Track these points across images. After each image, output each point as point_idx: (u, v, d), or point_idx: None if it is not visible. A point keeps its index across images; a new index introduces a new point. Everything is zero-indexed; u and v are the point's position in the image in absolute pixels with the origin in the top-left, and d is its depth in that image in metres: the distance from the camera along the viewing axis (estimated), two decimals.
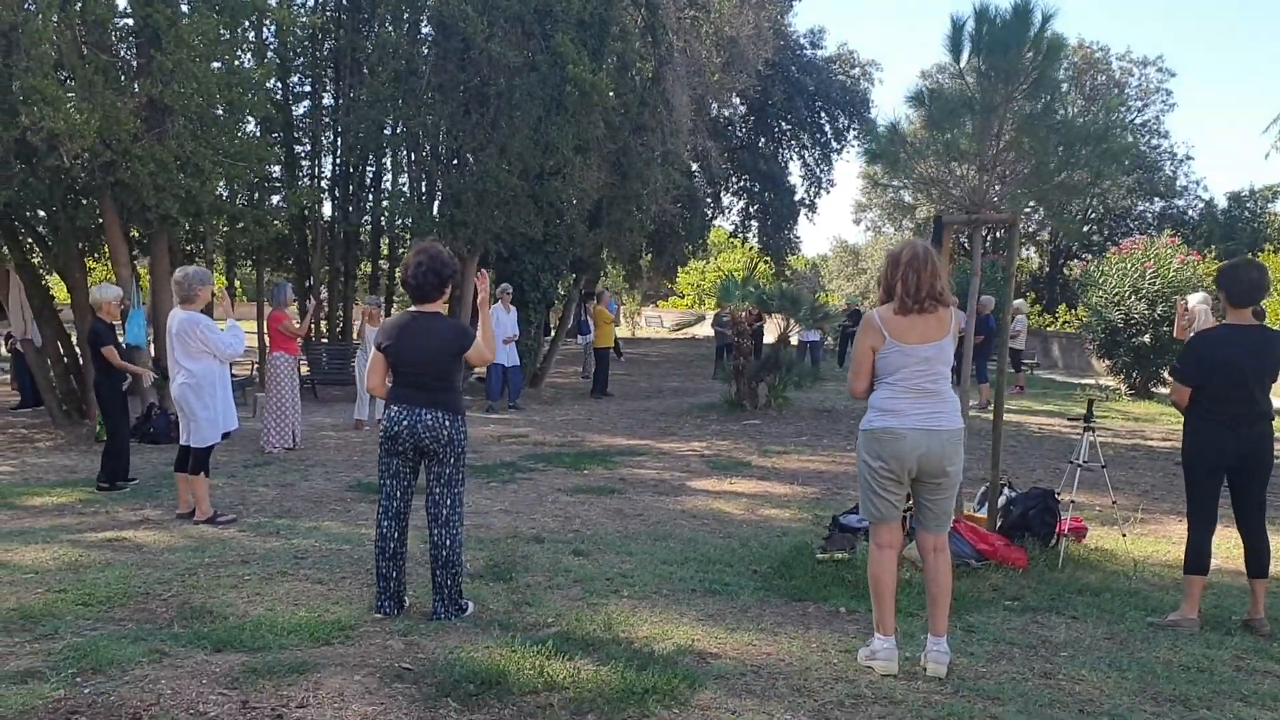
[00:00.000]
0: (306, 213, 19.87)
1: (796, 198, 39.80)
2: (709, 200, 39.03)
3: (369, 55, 16.70)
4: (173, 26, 11.32)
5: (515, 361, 16.77)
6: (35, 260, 15.06)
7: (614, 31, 16.83)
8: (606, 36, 16.95)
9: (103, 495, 9.00)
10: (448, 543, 5.31)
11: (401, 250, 19.85)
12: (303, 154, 20.32)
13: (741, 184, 39.98)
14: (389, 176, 18.93)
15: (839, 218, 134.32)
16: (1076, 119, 7.28)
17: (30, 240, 14.75)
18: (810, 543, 7.28)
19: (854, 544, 7.07)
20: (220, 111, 12.33)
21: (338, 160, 20.22)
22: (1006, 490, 7.66)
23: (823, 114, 39.10)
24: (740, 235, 42.68)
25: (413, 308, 5.42)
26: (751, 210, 40.34)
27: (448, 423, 5.27)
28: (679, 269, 40.87)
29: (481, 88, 16.29)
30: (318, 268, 20.09)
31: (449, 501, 5.33)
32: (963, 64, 7.20)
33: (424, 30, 17.07)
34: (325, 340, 20.46)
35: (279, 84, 19.77)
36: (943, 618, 4.91)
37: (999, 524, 7.25)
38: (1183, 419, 5.85)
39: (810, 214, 40.90)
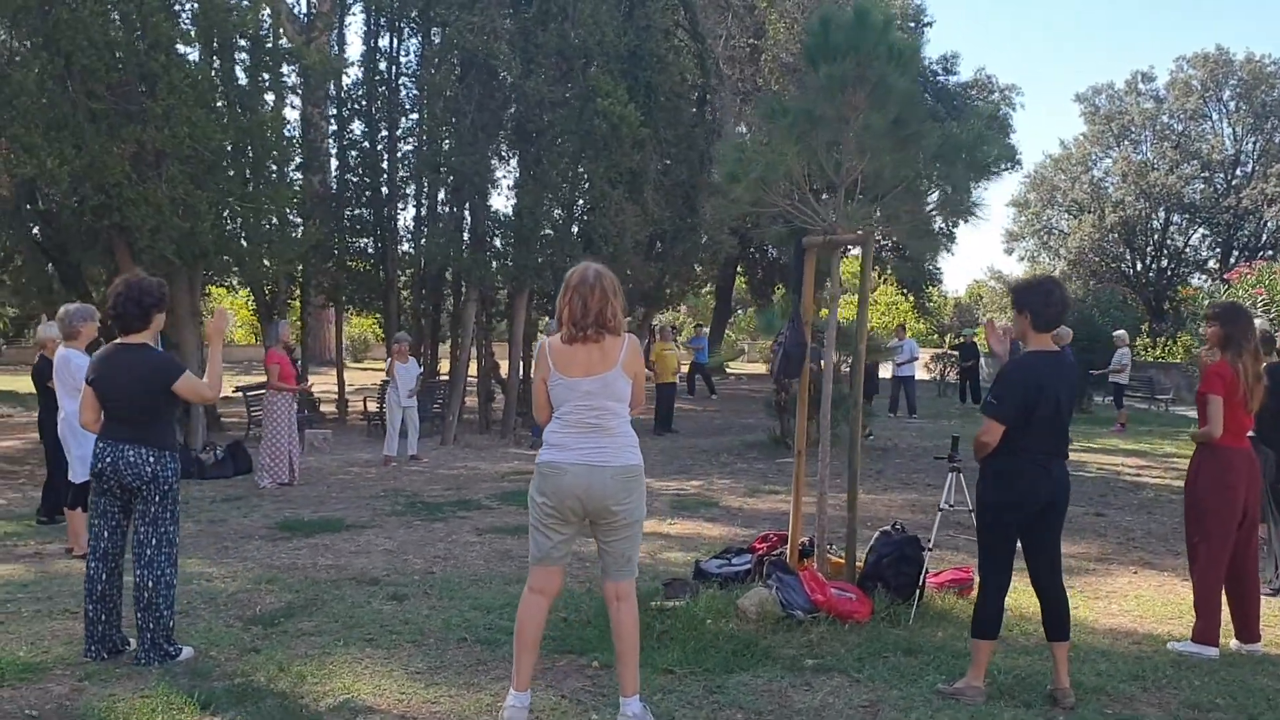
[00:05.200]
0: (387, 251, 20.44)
1: (934, 227, 38.43)
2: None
3: (416, 97, 16.95)
4: (166, 73, 11.70)
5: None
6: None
7: (652, 63, 16.58)
8: (650, 70, 16.74)
9: (35, 529, 9.22)
10: (150, 584, 5.13)
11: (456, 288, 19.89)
12: (386, 197, 20.74)
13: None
14: (457, 216, 19.05)
15: (990, 248, 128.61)
16: (937, 131, 6.59)
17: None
18: (659, 590, 6.80)
19: (695, 591, 6.59)
20: (221, 154, 12.63)
21: (422, 202, 20.62)
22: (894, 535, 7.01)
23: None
24: (878, 268, 41.52)
25: (118, 339, 5.30)
26: (885, 242, 39.18)
27: (151, 459, 5.12)
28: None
29: (522, 125, 16.31)
30: (395, 308, 20.47)
31: (153, 542, 5.16)
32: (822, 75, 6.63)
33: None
34: None
35: (359, 128, 20.44)
36: (631, 676, 4.47)
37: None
38: (996, 463, 5.06)
39: (949, 244, 39.23)
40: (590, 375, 4.39)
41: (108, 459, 5.14)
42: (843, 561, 6.77)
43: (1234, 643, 5.98)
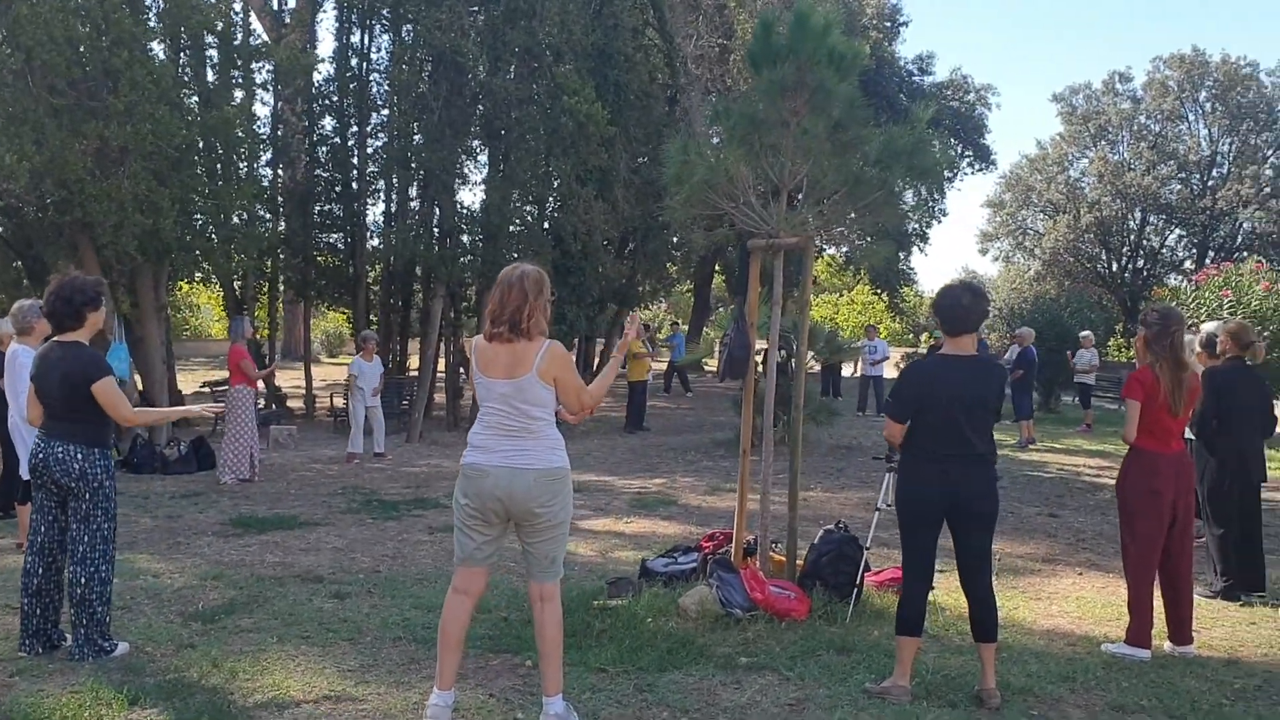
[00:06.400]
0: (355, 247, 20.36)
1: (907, 228, 38.61)
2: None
3: (387, 94, 16.98)
4: (129, 69, 11.66)
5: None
6: None
7: (620, 62, 16.63)
8: (618, 68, 16.80)
9: None
10: (83, 581, 5.15)
11: (418, 284, 19.83)
12: (356, 192, 20.69)
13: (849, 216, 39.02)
14: (426, 212, 19.05)
15: (964, 248, 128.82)
16: (879, 136, 6.64)
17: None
18: (604, 588, 6.85)
19: (638, 589, 6.64)
20: (186, 150, 12.60)
21: (392, 197, 20.58)
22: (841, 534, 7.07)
23: (935, 142, 37.78)
24: (852, 268, 41.72)
25: (55, 337, 5.33)
26: (858, 241, 39.35)
27: (79, 456, 5.14)
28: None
29: (490, 122, 16.33)
30: (364, 303, 20.45)
31: (86, 539, 5.18)
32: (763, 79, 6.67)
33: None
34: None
35: (330, 124, 20.38)
36: (554, 676, 4.50)
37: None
38: (902, 460, 5.22)
39: (922, 245, 39.45)
40: (509, 378, 4.39)
41: (40, 455, 5.17)
42: (784, 559, 6.83)
43: (1167, 644, 6.05)
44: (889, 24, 37.51)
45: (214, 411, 5.78)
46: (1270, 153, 44.80)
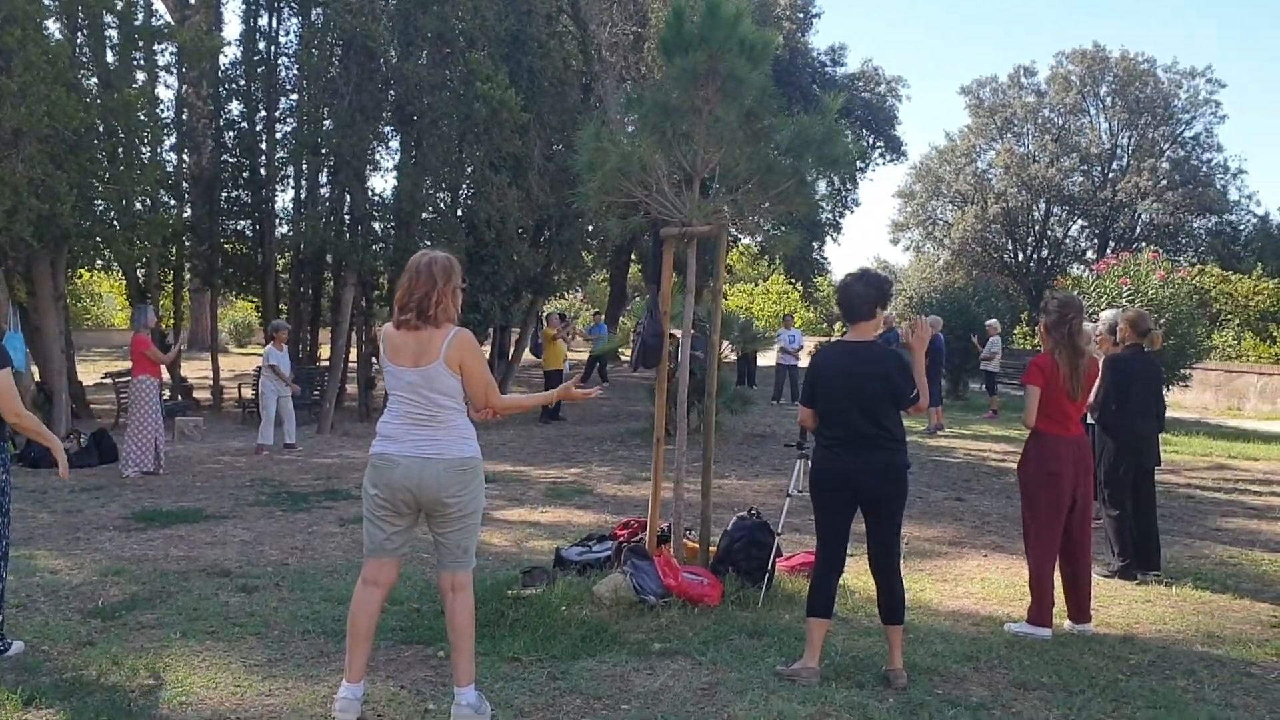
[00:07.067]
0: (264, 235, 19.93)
1: (820, 218, 38.99)
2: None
3: (296, 78, 16.67)
4: (23, 48, 11.28)
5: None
6: None
7: (534, 48, 16.54)
8: (532, 55, 16.70)
9: None
10: None
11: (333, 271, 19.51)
12: (265, 178, 20.26)
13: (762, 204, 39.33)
14: (336, 198, 18.75)
15: (876, 238, 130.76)
16: (790, 125, 6.69)
17: None
18: (517, 578, 6.82)
19: (552, 578, 6.62)
20: (85, 133, 12.22)
21: (301, 183, 20.18)
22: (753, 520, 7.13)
23: (845, 132, 38.25)
24: (767, 258, 42.02)
25: None
26: (771, 231, 39.69)
27: None
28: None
29: (403, 107, 16.12)
30: (273, 292, 20.06)
31: None
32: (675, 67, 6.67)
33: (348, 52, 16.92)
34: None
35: (237, 108, 19.94)
36: (466, 666, 4.47)
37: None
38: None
39: (835, 234, 39.89)
40: (416, 366, 4.35)
41: None
42: (698, 546, 6.87)
43: (1067, 623, 6.22)
44: (801, 15, 37.71)
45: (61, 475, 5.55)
46: (1166, 146, 46.16)
